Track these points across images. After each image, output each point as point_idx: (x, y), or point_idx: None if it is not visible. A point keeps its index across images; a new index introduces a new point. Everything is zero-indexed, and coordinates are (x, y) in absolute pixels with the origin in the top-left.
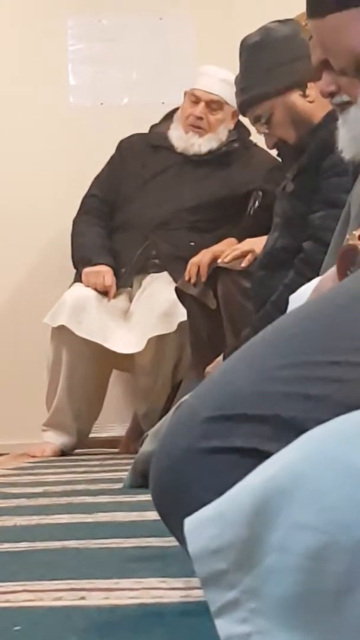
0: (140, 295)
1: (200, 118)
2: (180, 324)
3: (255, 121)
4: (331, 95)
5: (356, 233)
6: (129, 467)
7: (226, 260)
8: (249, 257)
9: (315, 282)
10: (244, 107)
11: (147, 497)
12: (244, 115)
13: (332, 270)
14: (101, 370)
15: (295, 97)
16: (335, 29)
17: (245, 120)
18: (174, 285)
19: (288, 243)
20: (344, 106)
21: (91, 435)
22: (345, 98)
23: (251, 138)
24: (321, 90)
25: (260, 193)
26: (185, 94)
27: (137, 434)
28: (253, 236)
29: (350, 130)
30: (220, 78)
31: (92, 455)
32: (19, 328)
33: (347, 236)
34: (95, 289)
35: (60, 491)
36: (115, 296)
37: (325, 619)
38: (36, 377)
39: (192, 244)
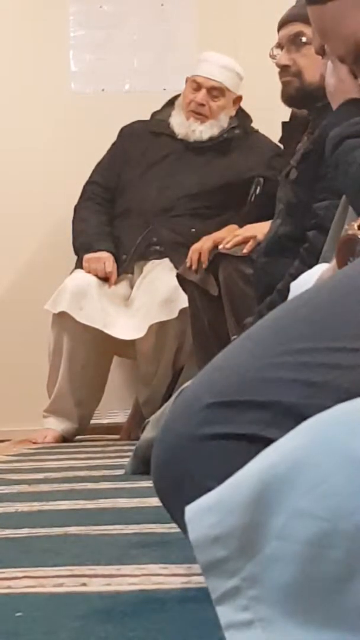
0: (142, 282)
1: (202, 105)
2: (182, 311)
3: None
4: None
5: (355, 223)
6: (130, 454)
7: (227, 246)
8: (251, 243)
9: (316, 269)
10: None
11: (148, 483)
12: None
13: (333, 262)
14: (102, 357)
15: None
16: (335, 16)
17: (246, 107)
18: (175, 271)
19: (290, 230)
20: None
21: (92, 421)
22: None
23: (252, 125)
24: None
25: (261, 180)
26: (186, 80)
27: (138, 420)
28: (254, 223)
29: None
30: (222, 64)
31: (93, 442)
32: (20, 314)
33: (346, 226)
34: (96, 275)
35: (62, 477)
36: (116, 283)
37: (326, 606)
38: (37, 364)
39: (193, 230)
